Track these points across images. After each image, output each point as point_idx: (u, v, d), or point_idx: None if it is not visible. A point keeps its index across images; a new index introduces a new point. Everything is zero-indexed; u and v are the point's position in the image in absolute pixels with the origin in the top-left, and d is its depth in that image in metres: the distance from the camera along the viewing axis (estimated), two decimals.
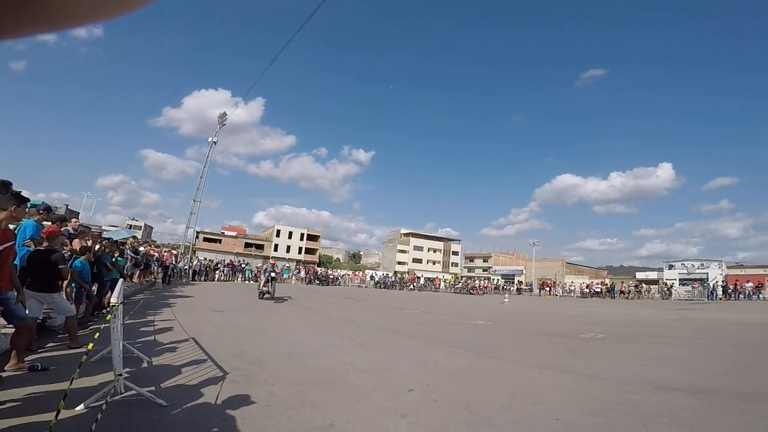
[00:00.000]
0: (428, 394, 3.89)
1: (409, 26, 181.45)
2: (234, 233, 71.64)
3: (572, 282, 43.15)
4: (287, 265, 42.42)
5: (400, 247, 78.92)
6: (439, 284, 41.10)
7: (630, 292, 32.79)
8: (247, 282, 27.50)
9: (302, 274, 35.29)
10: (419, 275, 46.03)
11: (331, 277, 36.61)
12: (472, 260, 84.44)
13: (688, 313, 14.73)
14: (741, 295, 28.07)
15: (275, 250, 68.60)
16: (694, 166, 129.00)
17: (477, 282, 41.15)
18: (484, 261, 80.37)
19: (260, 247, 69.44)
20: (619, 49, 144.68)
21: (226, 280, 27.77)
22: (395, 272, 54.30)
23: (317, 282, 33.22)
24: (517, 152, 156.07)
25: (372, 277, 40.80)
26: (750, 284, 29.47)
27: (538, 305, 21.33)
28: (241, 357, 5.12)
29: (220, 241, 66.55)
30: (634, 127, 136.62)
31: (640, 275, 50.63)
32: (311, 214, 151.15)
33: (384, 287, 36.30)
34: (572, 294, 36.08)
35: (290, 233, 72.73)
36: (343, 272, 43.51)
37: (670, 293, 31.80)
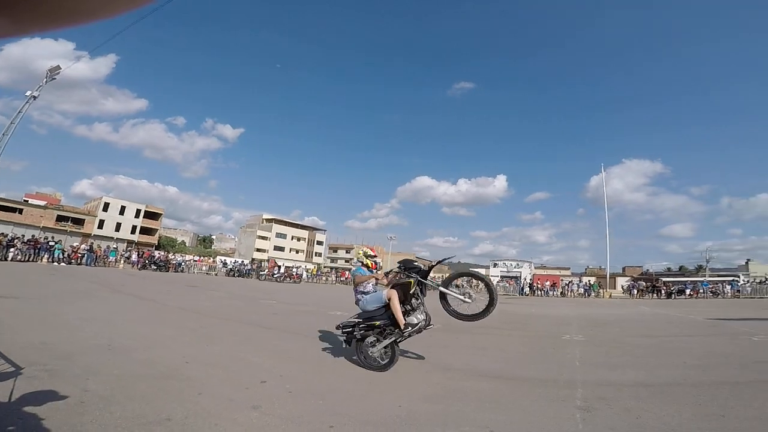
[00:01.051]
0: (282, 385, 3.74)
1: (299, 12, 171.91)
2: (42, 202, 56.98)
3: None
4: (114, 246, 36.17)
5: (260, 233, 75.20)
6: (301, 274, 40.57)
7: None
8: (55, 264, 22.60)
9: (134, 257, 30.45)
10: (280, 264, 44.69)
11: (173, 262, 32.65)
12: (335, 251, 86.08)
13: (506, 307, 16.98)
14: (541, 292, 35.05)
15: (100, 227, 57.36)
16: (522, 181, 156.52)
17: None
18: (347, 252, 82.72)
19: (79, 222, 56.63)
20: (488, 65, 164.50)
21: (24, 260, 22.22)
22: (253, 260, 51.51)
23: (154, 267, 29.22)
24: (388, 149, 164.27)
25: (225, 264, 37.85)
26: (548, 283, 37.15)
27: None
28: (42, 350, 4.21)
29: (20, 210, 52.32)
30: (484, 140, 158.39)
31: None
32: (153, 188, 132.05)
33: (239, 275, 34.08)
34: None
35: (122, 208, 61.17)
36: (188, 257, 39.17)
37: None
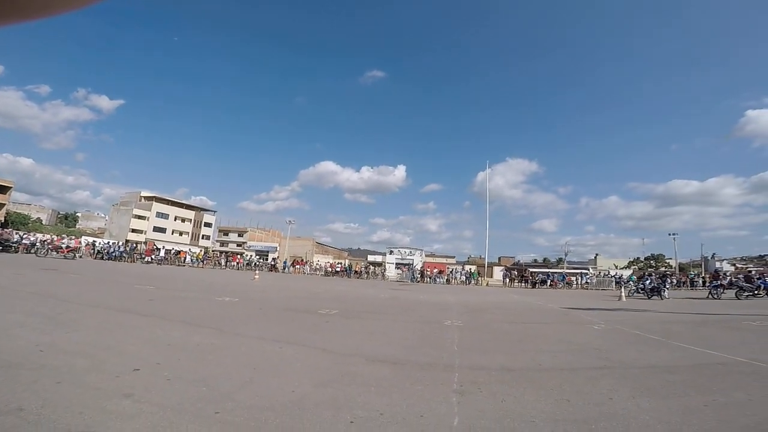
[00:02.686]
0: (160, 372, 3.50)
1: None
2: None
3: (319, 261, 47.53)
4: None
5: (137, 212, 66.57)
6: (185, 257, 37.08)
7: (362, 272, 38.98)
8: None
9: None
10: (160, 246, 40.22)
11: (24, 242, 27.31)
12: (226, 234, 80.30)
13: (397, 293, 17.94)
14: (430, 279, 37.77)
15: None
16: (419, 171, 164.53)
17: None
18: (240, 236, 77.89)
19: None
20: (401, 54, 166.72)
21: None
22: (127, 241, 45.48)
23: None
24: (292, 133, 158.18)
25: (93, 245, 32.88)
26: (436, 270, 40.23)
27: (286, 282, 22.32)
28: None
29: None
30: (391, 130, 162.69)
31: (370, 257, 60.72)
32: (1, 158, 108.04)
33: (108, 258, 29.88)
34: (318, 272, 39.72)
35: None
36: (44, 237, 33.15)
37: (384, 276, 39.80)
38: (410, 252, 57.18)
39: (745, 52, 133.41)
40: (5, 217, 55.42)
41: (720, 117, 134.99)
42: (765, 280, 18.35)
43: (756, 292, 17.21)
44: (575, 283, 36.12)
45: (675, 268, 50.53)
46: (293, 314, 8.45)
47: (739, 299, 16.33)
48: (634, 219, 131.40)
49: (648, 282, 19.73)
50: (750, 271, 19.90)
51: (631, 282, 27.34)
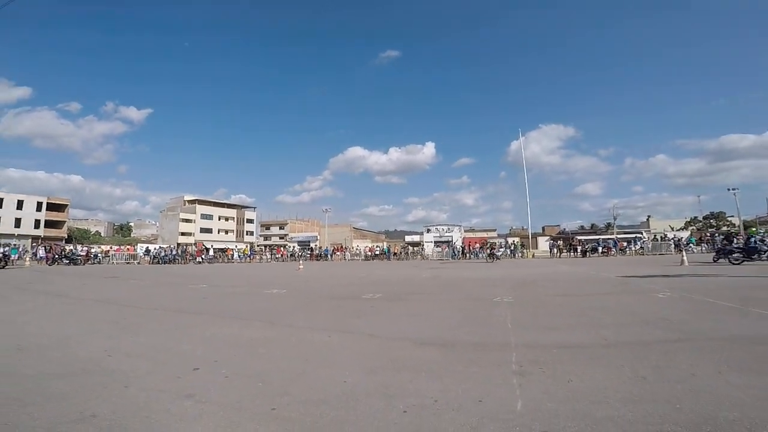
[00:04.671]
0: (218, 370, 3.54)
1: None
2: None
3: (357, 246, 48.10)
4: (15, 243, 31.71)
5: (183, 215, 70.21)
6: (233, 254, 38.74)
7: (400, 253, 39.05)
8: None
9: (41, 253, 27.02)
10: (209, 246, 42.20)
11: (89, 254, 29.50)
12: (268, 228, 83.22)
13: (439, 272, 17.77)
14: (472, 255, 36.76)
15: None
16: (448, 147, 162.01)
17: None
18: (281, 228, 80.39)
19: None
20: (413, 33, 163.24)
21: None
22: (178, 244, 48.09)
23: (66, 261, 26.24)
24: (316, 122, 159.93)
25: (147, 251, 34.99)
26: (477, 246, 39.13)
27: (329, 269, 22.72)
28: None
29: None
30: (413, 108, 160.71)
31: (408, 238, 60.68)
32: (53, 178, 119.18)
33: (163, 262, 31.71)
34: (358, 257, 40.23)
35: (20, 202, 54.39)
36: (105, 248, 35.66)
37: (423, 255, 39.56)
38: (448, 229, 56.40)
39: None
40: (68, 233, 59.98)
41: None
42: None
43: None
44: (628, 249, 34.20)
45: (739, 226, 46.39)
46: (338, 302, 8.52)
47: None
48: (685, 176, 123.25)
49: (746, 243, 16.06)
50: None
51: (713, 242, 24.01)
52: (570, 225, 75.84)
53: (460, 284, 11.84)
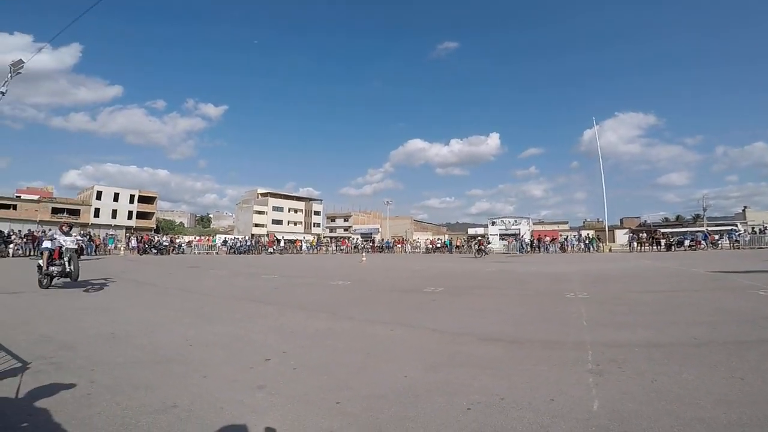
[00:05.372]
0: (287, 362, 3.67)
1: None
2: (36, 196, 56.67)
3: (418, 238, 47.94)
4: (112, 233, 36.07)
5: (257, 207, 74.99)
6: (301, 246, 40.69)
7: (463, 246, 38.21)
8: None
9: (134, 243, 30.43)
10: (279, 237, 44.76)
11: (174, 244, 32.66)
12: (333, 220, 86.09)
13: (505, 266, 17.09)
14: (541, 249, 34.57)
15: (96, 215, 57.83)
16: (514, 137, 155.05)
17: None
18: (345, 221, 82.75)
19: (75, 212, 56.99)
20: (472, 24, 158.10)
21: (25, 255, 22.10)
22: (252, 235, 51.58)
23: (154, 251, 29.36)
24: (376, 115, 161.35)
25: (225, 242, 37.92)
26: (548, 238, 36.81)
27: (391, 262, 22.98)
28: (45, 343, 4.18)
29: (14, 207, 52.07)
30: (475, 99, 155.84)
31: (470, 231, 59.20)
32: (143, 173, 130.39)
33: (238, 253, 34.18)
34: (419, 250, 40.10)
35: (116, 195, 61.55)
36: (187, 238, 39.26)
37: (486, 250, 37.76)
38: (515, 221, 54.13)
39: None
40: (156, 224, 66.88)
41: None
42: None
43: None
44: (721, 242, 30.39)
45: None
46: (400, 294, 8.53)
47: None
48: None
49: None
50: None
51: None
52: (652, 217, 68.86)
53: (529, 279, 11.31)
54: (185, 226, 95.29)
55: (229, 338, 4.61)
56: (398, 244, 42.25)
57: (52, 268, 8.34)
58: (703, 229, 37.68)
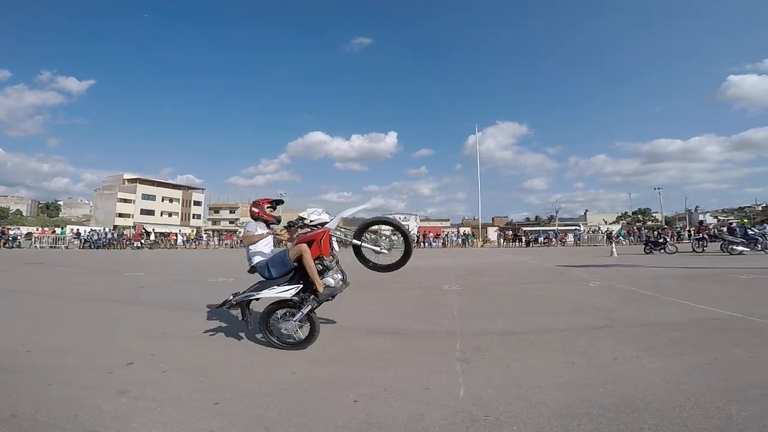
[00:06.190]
0: (154, 364, 3.38)
1: None
2: None
3: None
4: None
5: (122, 195, 65.31)
6: (176, 239, 36.64)
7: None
8: None
9: None
10: (149, 229, 39.61)
11: (6, 236, 26.65)
12: (217, 211, 79.57)
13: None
14: (426, 244, 37.52)
15: None
16: (410, 137, 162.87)
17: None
18: (231, 212, 77.20)
19: None
20: (388, 20, 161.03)
21: None
22: (115, 227, 44.74)
23: None
24: (274, 106, 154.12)
25: (78, 235, 32.25)
26: (432, 235, 40.06)
27: None
28: None
29: None
30: (380, 96, 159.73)
31: None
32: None
33: (96, 247, 29.40)
34: None
35: None
36: (26, 229, 32.40)
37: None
38: (405, 217, 57.25)
39: (727, 23, 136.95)
40: None
41: (702, 81, 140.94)
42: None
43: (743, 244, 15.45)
44: (567, 240, 36.52)
45: (662, 221, 51.54)
46: None
47: (724, 252, 15.85)
48: (621, 175, 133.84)
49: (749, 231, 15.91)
50: (731, 223, 19.07)
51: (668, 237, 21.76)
52: (517, 216, 79.85)
53: (414, 273, 11.95)
54: (24, 214, 78.24)
55: (83, 343, 4.09)
56: None
57: None
58: (555, 228, 44.73)
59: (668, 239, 19.72)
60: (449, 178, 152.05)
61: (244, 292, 3.93)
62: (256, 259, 4.11)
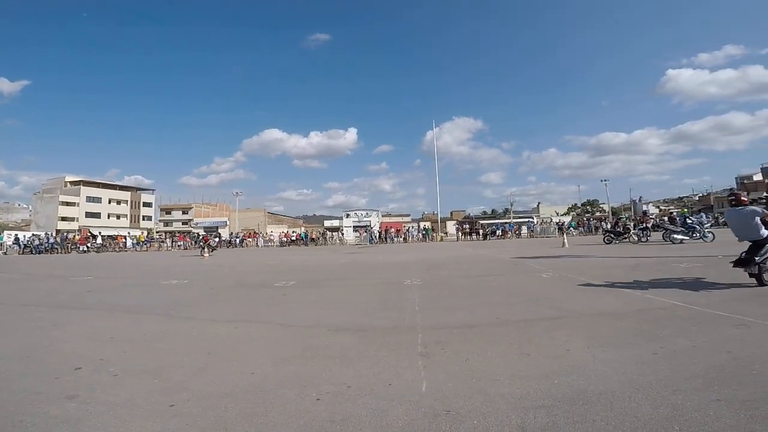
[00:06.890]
0: (104, 369, 3.26)
1: None
2: None
3: (272, 231, 46.26)
4: None
5: (64, 198, 60.93)
6: (125, 242, 34.67)
7: (319, 239, 38.54)
8: None
9: None
10: (96, 233, 37.18)
11: None
12: (168, 213, 75.76)
13: (356, 257, 17.86)
14: (388, 239, 37.62)
15: None
16: (370, 133, 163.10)
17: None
18: (184, 213, 73.85)
19: None
20: (346, 16, 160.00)
21: None
22: (58, 231, 41.64)
23: None
24: (228, 104, 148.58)
25: (16, 240, 29.89)
26: (393, 230, 40.24)
27: (240, 257, 21.60)
28: None
29: None
30: (338, 93, 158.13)
31: (327, 222, 59.98)
32: None
33: (37, 252, 27.32)
34: (272, 243, 38.72)
35: None
36: None
37: (342, 240, 39.66)
38: (367, 213, 57.16)
39: (669, 14, 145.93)
40: None
41: (644, 75, 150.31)
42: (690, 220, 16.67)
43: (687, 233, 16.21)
44: (521, 232, 37.85)
45: (608, 212, 54.87)
46: (247, 290, 8.19)
47: (666, 241, 16.42)
48: (570, 168, 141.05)
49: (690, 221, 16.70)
50: (672, 213, 20.36)
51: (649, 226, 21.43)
52: (474, 210, 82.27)
53: (375, 269, 12.03)
54: None
55: (26, 349, 3.87)
56: (249, 237, 39.94)
57: None
58: (510, 221, 46.35)
59: (631, 229, 20.15)
60: (409, 173, 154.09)
61: (761, 256, 5.61)
62: (765, 233, 5.75)
